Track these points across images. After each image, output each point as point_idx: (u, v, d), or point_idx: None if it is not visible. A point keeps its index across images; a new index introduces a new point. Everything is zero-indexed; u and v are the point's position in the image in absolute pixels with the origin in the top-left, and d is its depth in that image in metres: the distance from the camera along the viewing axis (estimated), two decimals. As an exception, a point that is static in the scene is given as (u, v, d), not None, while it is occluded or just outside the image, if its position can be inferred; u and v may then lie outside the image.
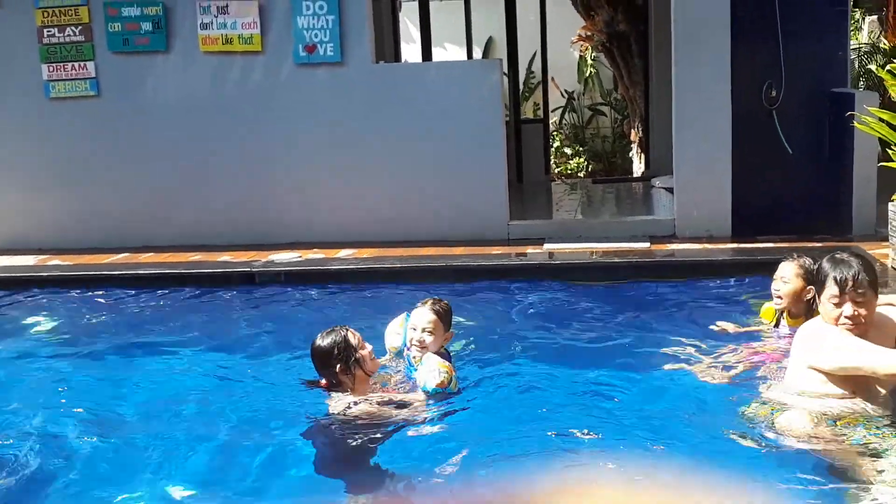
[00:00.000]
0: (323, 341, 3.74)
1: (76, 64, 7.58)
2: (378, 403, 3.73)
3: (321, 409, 3.77)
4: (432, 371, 3.83)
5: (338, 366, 3.71)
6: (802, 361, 3.58)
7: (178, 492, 3.30)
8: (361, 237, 7.32)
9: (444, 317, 4.08)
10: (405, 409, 3.73)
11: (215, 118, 7.56)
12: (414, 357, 4.04)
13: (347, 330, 3.79)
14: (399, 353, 4.23)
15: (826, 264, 3.57)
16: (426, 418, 3.71)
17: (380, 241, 7.21)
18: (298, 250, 7.02)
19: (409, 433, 3.61)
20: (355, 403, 3.69)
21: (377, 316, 5.08)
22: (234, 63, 7.45)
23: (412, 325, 4.08)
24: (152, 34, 7.46)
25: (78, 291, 6.41)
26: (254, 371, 4.59)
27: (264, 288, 6.33)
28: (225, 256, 7.03)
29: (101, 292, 6.35)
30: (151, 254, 7.29)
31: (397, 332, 4.33)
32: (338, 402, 3.72)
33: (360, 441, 3.52)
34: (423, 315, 4.05)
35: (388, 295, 6.03)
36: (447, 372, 3.85)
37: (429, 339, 3.99)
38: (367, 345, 3.83)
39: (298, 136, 7.50)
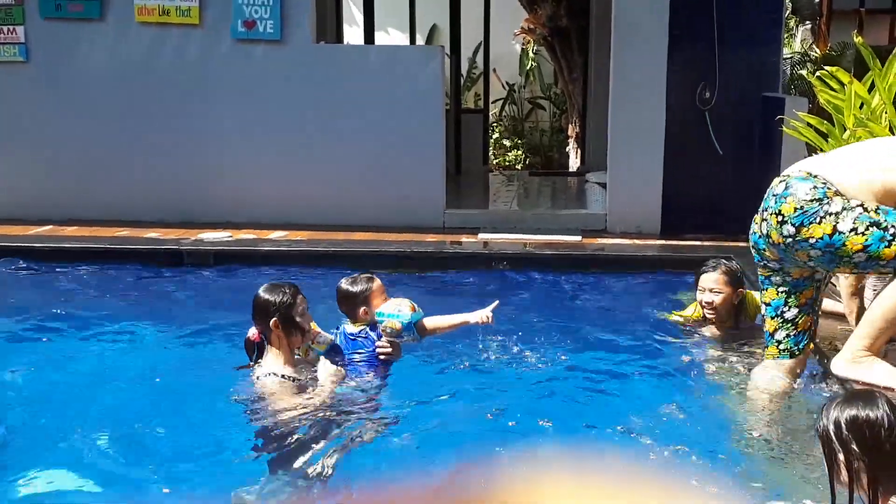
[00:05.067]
0: (271, 290, 3.66)
1: (5, 28, 7.32)
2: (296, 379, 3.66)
3: (245, 388, 3.72)
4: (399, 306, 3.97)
5: (275, 318, 3.60)
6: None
7: (96, 474, 3.20)
8: (295, 219, 7.25)
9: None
10: (320, 392, 3.65)
11: (148, 91, 7.39)
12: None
13: (298, 290, 3.71)
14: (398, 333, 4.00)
15: None
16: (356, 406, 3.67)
17: (314, 224, 7.15)
18: (229, 230, 6.92)
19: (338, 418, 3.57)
20: (273, 374, 3.62)
21: (308, 299, 5.02)
22: (170, 35, 7.29)
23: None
24: (86, 1, 7.25)
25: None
26: (177, 351, 4.51)
27: (192, 266, 6.20)
28: (152, 233, 6.88)
29: (23, 265, 6.16)
30: (76, 227, 7.09)
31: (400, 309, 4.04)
32: (260, 369, 3.68)
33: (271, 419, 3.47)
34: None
35: (318, 278, 5.97)
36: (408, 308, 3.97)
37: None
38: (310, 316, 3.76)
39: (233, 114, 7.39)
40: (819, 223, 3.32)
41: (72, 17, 7.27)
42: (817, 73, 4.96)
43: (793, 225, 3.37)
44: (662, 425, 3.50)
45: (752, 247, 3.67)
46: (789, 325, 3.64)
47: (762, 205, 3.58)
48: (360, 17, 11.81)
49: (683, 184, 7.14)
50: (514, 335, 4.71)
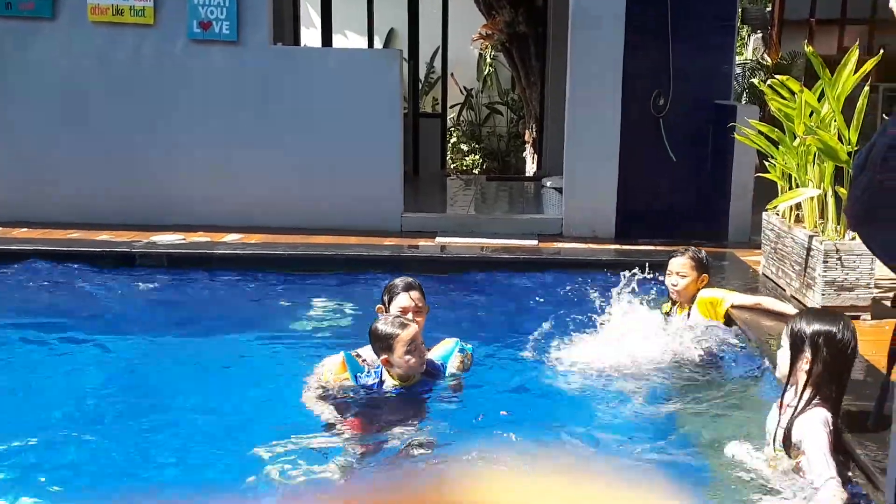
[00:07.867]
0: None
1: (-49, 25, 7.15)
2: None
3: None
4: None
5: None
6: None
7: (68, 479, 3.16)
8: (250, 222, 7.18)
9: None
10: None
11: (101, 91, 7.27)
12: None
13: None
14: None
15: None
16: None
17: (270, 227, 7.09)
18: (182, 232, 6.83)
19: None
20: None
21: (262, 303, 5.00)
22: (124, 35, 7.19)
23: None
24: (37, -1, 7.11)
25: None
26: (133, 356, 4.45)
27: (144, 270, 6.11)
28: (104, 235, 6.77)
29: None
30: (26, 229, 6.95)
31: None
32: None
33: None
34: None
35: (273, 282, 5.94)
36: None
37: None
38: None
39: (188, 115, 7.30)
40: None
41: (23, 15, 7.13)
42: (769, 82, 5.06)
43: None
44: (622, 424, 3.60)
45: None
46: None
47: None
48: (317, 20, 11.75)
49: (638, 189, 7.23)
50: (476, 338, 4.74)
